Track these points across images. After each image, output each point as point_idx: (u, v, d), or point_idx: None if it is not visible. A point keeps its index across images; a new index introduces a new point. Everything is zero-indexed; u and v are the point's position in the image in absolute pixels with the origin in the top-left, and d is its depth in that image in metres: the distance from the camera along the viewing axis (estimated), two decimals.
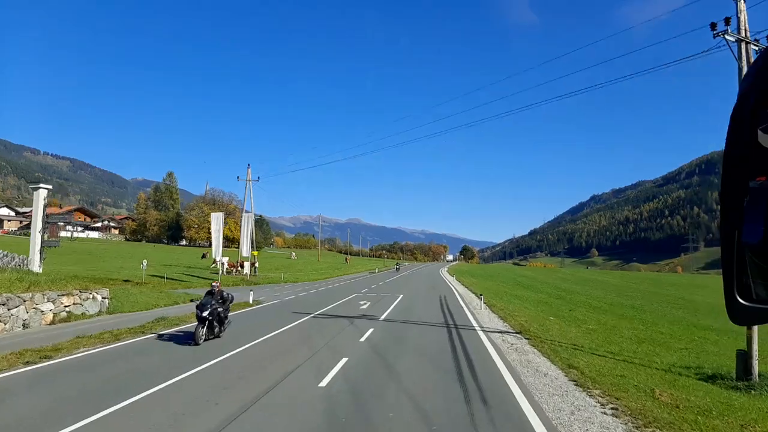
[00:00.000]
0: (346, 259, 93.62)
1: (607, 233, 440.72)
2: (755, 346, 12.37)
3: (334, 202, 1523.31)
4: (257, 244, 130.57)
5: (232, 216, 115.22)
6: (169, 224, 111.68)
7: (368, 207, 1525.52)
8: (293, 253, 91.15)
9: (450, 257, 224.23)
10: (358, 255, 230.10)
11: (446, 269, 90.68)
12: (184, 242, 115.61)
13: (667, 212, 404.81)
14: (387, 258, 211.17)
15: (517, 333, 18.41)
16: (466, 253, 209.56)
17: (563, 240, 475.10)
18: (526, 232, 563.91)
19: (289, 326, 19.27)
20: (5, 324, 16.57)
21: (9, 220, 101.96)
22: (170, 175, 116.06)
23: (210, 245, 79.84)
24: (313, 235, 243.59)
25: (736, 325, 1.00)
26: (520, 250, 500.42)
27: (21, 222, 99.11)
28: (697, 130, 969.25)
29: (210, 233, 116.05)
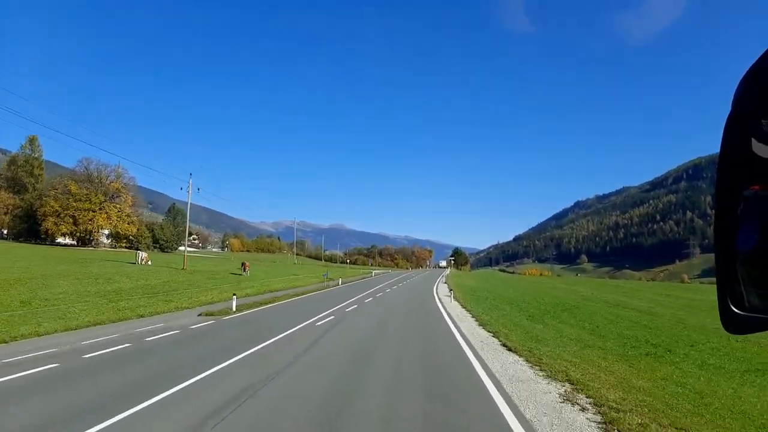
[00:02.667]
0: (243, 266, 51.60)
1: (597, 239, 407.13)
2: None
3: (317, 207, 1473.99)
4: (164, 243, 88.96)
5: (115, 200, 74.18)
6: (27, 212, 70.39)
7: (351, 212, 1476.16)
8: (142, 255, 50.10)
9: (443, 263, 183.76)
10: (329, 261, 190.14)
11: (445, 283, 51.60)
12: (66, 240, 74.25)
13: (658, 217, 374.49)
14: (353, 265, 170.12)
15: None
16: (458, 258, 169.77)
17: (551, 246, 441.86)
18: (511, 238, 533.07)
19: None
20: None
21: None
22: (32, 141, 74.56)
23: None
24: (278, 237, 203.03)
25: (730, 334, 0.91)
26: (506, 256, 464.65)
27: None
28: (682, 137, 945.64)
29: (76, 225, 75.25)
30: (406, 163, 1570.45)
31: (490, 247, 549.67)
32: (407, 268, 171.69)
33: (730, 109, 0.83)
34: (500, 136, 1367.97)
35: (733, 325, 0.87)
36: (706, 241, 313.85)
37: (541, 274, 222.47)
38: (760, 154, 0.79)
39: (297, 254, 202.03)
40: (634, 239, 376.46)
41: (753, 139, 0.79)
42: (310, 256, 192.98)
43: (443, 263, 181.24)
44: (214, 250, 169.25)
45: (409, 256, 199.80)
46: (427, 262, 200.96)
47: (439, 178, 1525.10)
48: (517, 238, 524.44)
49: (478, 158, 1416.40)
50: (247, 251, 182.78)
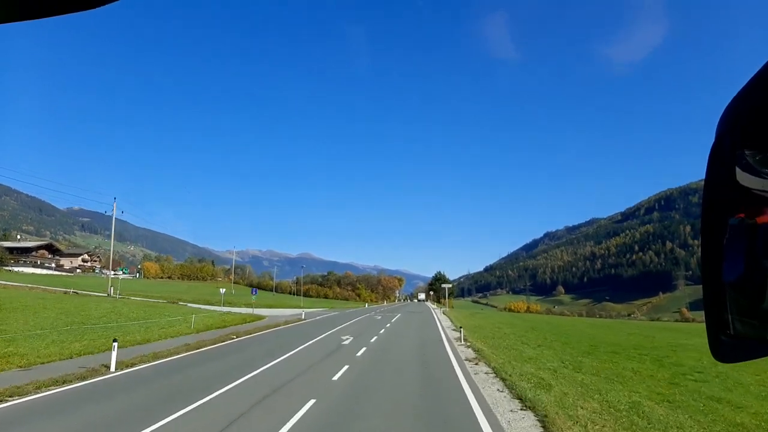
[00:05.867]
0: None
1: (573, 269, 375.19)
2: None
3: (285, 236, 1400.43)
4: None
5: None
6: None
7: (321, 242, 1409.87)
8: None
9: (422, 295, 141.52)
10: (277, 290, 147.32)
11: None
12: None
13: (636, 247, 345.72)
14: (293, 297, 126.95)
15: None
16: (440, 287, 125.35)
17: (524, 276, 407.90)
18: (481, 268, 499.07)
19: None
20: None
21: None
22: None
23: None
24: (212, 262, 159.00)
25: (718, 361, 0.87)
26: (478, 286, 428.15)
27: None
28: (652, 169, 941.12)
29: None
30: (377, 194, 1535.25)
31: (461, 277, 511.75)
32: (370, 302, 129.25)
33: (713, 139, 0.81)
34: (470, 170, 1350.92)
35: (721, 353, 0.85)
36: (690, 272, 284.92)
37: (528, 309, 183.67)
38: (743, 183, 0.78)
39: (236, 283, 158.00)
40: (612, 270, 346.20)
41: (737, 168, 0.78)
42: (251, 285, 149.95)
43: (422, 296, 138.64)
44: (122, 275, 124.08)
45: (374, 286, 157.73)
46: (396, 293, 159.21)
47: (409, 210, 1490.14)
48: (488, 268, 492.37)
49: (448, 190, 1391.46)
50: (169, 278, 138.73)
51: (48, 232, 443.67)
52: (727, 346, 0.83)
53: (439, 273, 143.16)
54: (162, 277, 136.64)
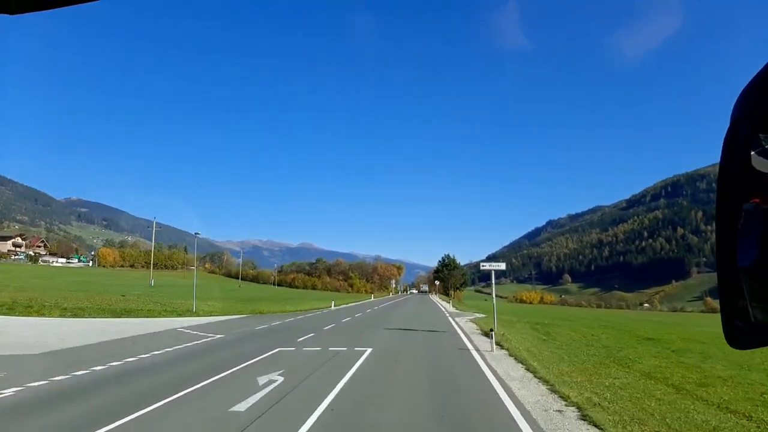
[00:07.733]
0: None
1: (580, 257, 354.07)
2: None
3: (286, 226, 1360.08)
4: None
5: None
6: None
7: (322, 232, 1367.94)
8: None
9: (424, 287, 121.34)
10: (254, 281, 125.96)
11: None
12: None
13: (645, 234, 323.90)
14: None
15: None
16: (451, 273, 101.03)
17: (529, 264, 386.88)
18: (484, 257, 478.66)
19: None
20: None
21: None
22: None
23: None
24: (186, 247, 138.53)
25: (734, 348, 0.87)
26: (482, 275, 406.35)
27: None
28: (657, 156, 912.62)
29: None
30: (378, 185, 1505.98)
31: (463, 266, 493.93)
32: (365, 292, 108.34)
33: (728, 124, 0.80)
34: (471, 160, 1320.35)
35: (737, 339, 0.83)
36: (705, 259, 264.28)
37: (542, 299, 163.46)
38: (758, 168, 0.76)
39: (211, 272, 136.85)
40: (621, 257, 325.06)
41: (752, 153, 0.76)
42: (229, 275, 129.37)
43: (425, 287, 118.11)
44: (74, 263, 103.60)
45: (369, 275, 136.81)
46: (394, 282, 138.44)
47: (410, 200, 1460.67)
48: (490, 257, 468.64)
49: (449, 178, 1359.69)
50: (131, 266, 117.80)
51: (43, 222, 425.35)
52: (743, 332, 0.81)
53: (447, 257, 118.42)
54: (123, 266, 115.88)
